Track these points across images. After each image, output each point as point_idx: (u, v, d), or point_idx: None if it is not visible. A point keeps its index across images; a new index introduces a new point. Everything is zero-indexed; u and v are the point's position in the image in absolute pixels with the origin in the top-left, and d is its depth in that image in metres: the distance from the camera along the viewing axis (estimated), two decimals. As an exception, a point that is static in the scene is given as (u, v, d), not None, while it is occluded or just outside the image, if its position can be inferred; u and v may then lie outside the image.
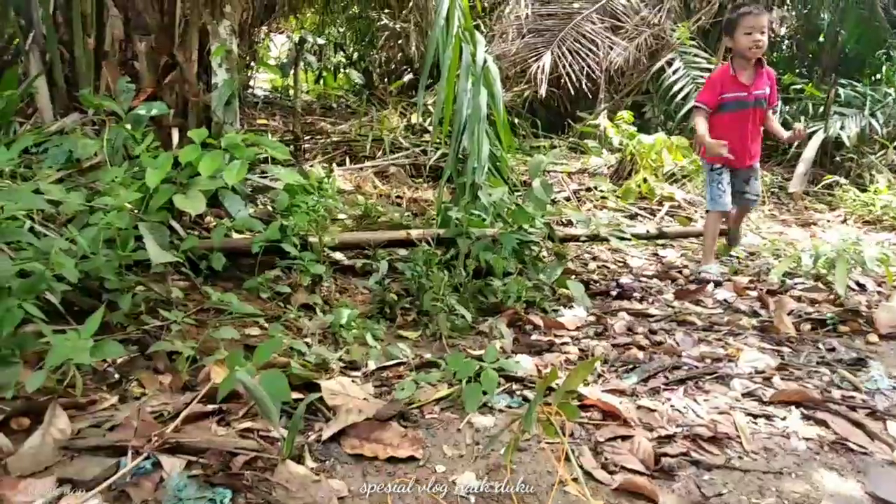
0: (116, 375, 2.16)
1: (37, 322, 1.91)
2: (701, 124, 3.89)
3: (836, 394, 2.39)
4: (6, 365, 1.83)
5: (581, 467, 1.86)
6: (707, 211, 4.12)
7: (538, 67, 7.06)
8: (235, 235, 3.08)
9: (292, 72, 6.66)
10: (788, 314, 3.20)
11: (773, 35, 8.86)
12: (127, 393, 2.09)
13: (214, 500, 1.63)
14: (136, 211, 2.64)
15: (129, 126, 2.98)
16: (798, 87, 7.68)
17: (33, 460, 1.72)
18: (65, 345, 1.77)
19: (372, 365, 2.45)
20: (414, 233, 3.37)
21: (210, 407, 2.02)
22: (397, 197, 5.06)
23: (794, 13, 8.89)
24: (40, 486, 1.61)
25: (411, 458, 1.89)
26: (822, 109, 7.20)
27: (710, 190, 4.01)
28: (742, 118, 3.98)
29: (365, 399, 2.12)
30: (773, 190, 6.73)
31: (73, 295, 2.29)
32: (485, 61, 3.81)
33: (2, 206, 2.26)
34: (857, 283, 3.77)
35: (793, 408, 2.28)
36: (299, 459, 1.82)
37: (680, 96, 7.17)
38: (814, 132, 6.89)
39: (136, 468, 1.71)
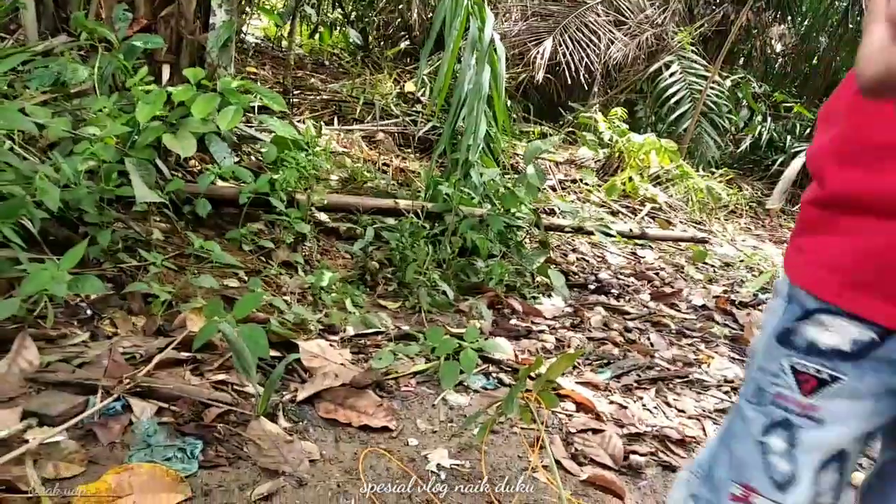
0: (89, 311, 2.10)
1: (14, 248, 1.84)
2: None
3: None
4: (-23, 288, 1.76)
5: (552, 456, 1.87)
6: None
7: (538, 52, 7.00)
8: (220, 183, 3.00)
9: (288, 22, 6.49)
10: (758, 327, 3.26)
11: (769, 52, 8.96)
12: (98, 330, 2.03)
13: (184, 449, 1.60)
14: (122, 145, 2.54)
15: (121, 56, 2.86)
16: (788, 105, 7.77)
17: (-3, 389, 1.67)
18: (42, 275, 1.70)
19: (350, 331, 2.43)
20: (402, 203, 3.33)
21: (184, 355, 1.97)
22: (384, 164, 4.99)
23: (792, 31, 8.98)
24: (4, 417, 1.56)
25: (385, 429, 1.88)
26: (809, 130, 7.31)
27: (731, 434, 1.00)
28: None
29: (342, 364, 2.10)
30: (751, 204, 6.83)
31: (49, 224, 2.20)
32: (492, 39, 3.75)
33: (-17, 122, 2.16)
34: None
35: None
36: (273, 418, 1.79)
37: (673, 100, 7.20)
38: (798, 152, 6.99)
39: (106, 409, 1.66)
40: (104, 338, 2.01)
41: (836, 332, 0.84)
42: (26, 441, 1.49)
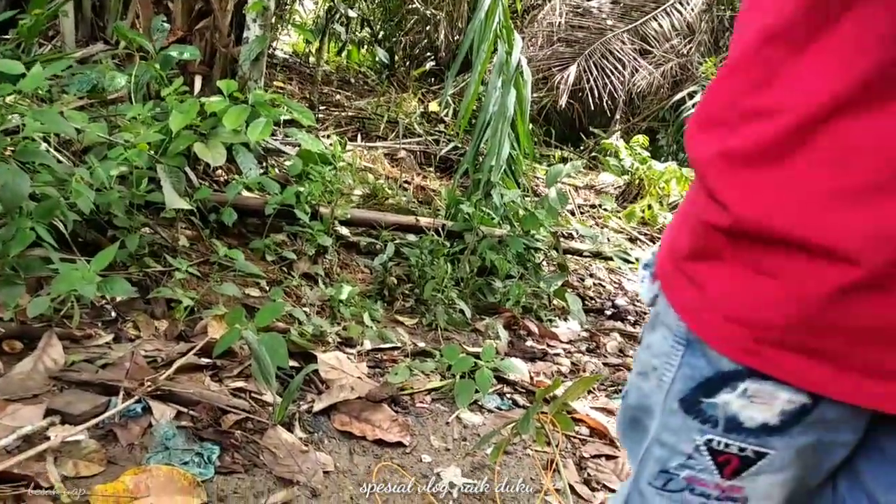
0: (113, 314, 2.14)
1: (46, 247, 1.88)
2: None
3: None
4: (10, 285, 1.80)
5: (566, 480, 1.87)
6: None
7: (562, 77, 7.05)
8: (246, 193, 3.04)
9: (318, 39, 6.61)
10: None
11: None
12: (122, 333, 2.07)
13: (202, 454, 1.61)
14: (153, 152, 2.60)
15: (157, 65, 2.93)
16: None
17: (22, 385, 1.70)
18: (72, 275, 1.74)
19: (367, 345, 2.44)
20: (423, 220, 3.36)
21: (204, 360, 2.00)
22: (405, 182, 5.03)
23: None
24: (28, 413, 1.59)
25: (398, 444, 1.89)
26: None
27: None
28: None
29: (359, 378, 2.11)
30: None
31: (79, 226, 2.25)
32: (519, 63, 3.80)
33: (22, 125, 2.22)
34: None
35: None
36: (289, 427, 1.81)
37: (696, 130, 7.22)
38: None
39: (126, 410, 1.69)
40: (127, 340, 2.04)
41: (765, 404, 0.64)
42: (48, 438, 1.52)
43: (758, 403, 0.64)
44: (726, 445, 0.67)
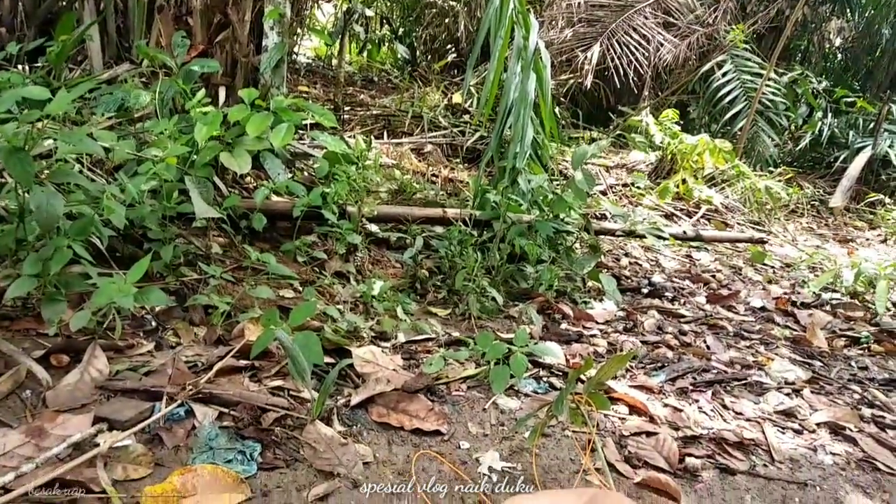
0: (153, 323, 2.21)
1: (84, 264, 1.95)
2: None
3: (867, 412, 2.36)
4: (52, 302, 1.87)
5: (605, 458, 1.86)
6: None
7: (586, 58, 6.97)
8: (274, 198, 3.10)
9: (338, 41, 6.67)
10: (822, 328, 3.16)
11: (828, 47, 8.67)
12: (163, 341, 2.13)
13: (244, 451, 1.66)
14: (182, 164, 2.67)
15: (180, 80, 3.00)
16: (850, 100, 7.50)
17: (71, 396, 1.77)
18: (110, 288, 1.80)
19: (401, 337, 2.47)
20: (450, 212, 3.37)
21: (242, 362, 2.05)
22: (433, 175, 5.05)
23: (852, 24, 8.66)
24: (77, 422, 1.65)
25: (436, 432, 1.91)
26: (872, 125, 7.03)
27: None
28: None
29: (394, 370, 2.14)
30: (813, 202, 6.61)
31: (115, 241, 2.33)
32: (536, 47, 3.77)
33: (55, 147, 2.31)
34: (894, 304, 3.70)
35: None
36: (328, 422, 1.84)
37: (727, 100, 7.05)
38: (861, 148, 6.73)
39: (170, 414, 1.75)
40: (168, 348, 2.11)
41: None
42: (97, 445, 1.58)
43: None
44: None
